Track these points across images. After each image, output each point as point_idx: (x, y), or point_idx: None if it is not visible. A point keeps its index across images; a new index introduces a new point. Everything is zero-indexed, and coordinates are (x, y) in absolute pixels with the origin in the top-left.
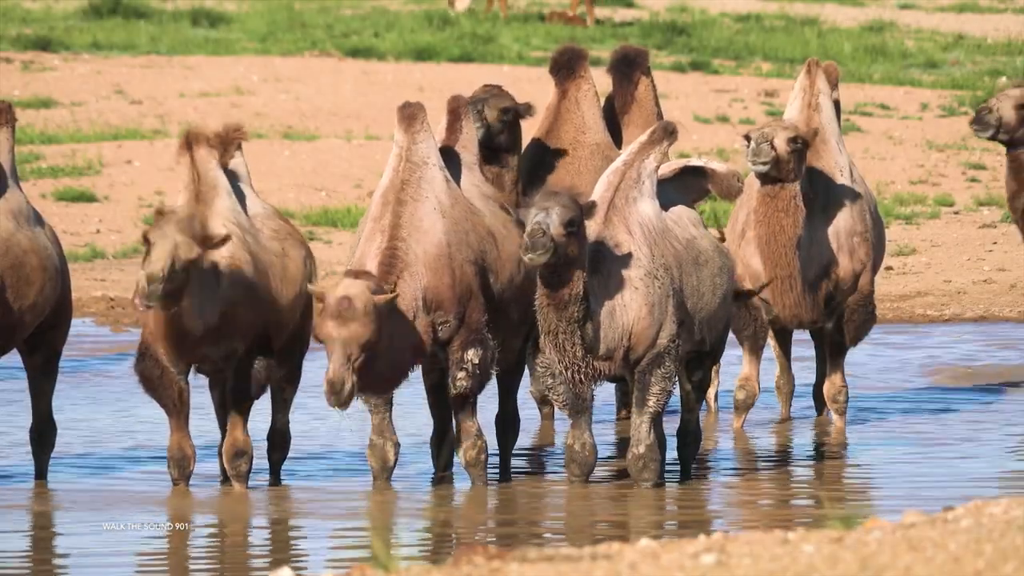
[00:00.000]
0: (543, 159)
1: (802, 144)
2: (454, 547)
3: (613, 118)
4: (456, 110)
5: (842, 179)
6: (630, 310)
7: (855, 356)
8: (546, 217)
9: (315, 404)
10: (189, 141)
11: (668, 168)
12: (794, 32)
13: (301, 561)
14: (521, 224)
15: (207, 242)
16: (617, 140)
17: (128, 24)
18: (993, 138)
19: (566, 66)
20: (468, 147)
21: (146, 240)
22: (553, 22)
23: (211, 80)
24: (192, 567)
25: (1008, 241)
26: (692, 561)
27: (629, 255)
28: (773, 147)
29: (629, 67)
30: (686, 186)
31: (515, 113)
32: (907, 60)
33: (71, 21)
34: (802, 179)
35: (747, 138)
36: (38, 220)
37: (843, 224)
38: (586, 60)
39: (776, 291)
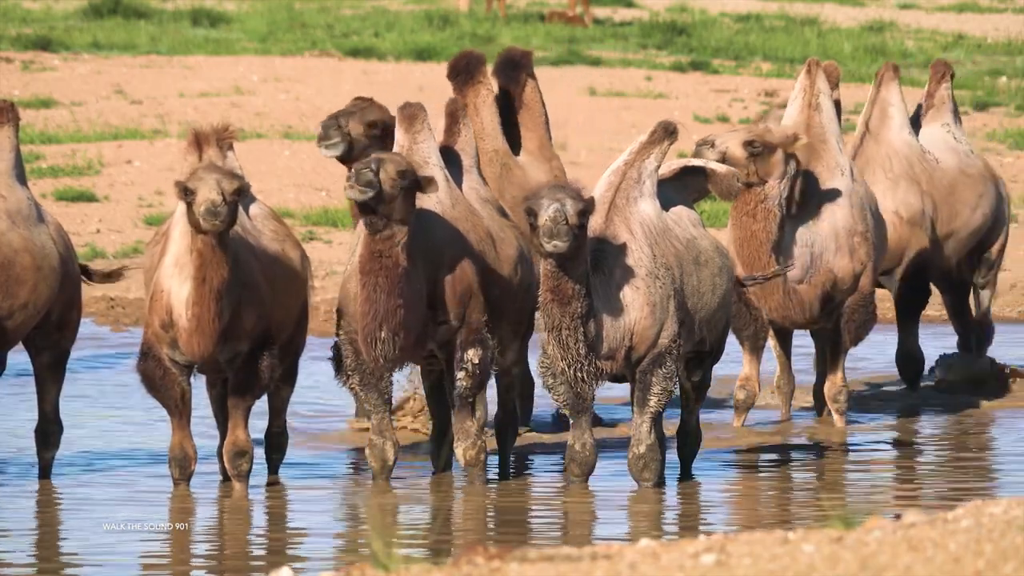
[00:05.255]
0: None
1: (761, 148)
2: (454, 547)
3: (506, 121)
4: (455, 112)
5: (842, 179)
6: (632, 310)
7: (855, 355)
8: (562, 207)
9: (313, 403)
10: (199, 140)
11: (668, 168)
12: (794, 32)
13: (301, 561)
14: (531, 213)
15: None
16: (513, 144)
17: (128, 24)
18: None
19: (464, 71)
20: (467, 149)
21: (184, 188)
22: (553, 22)
23: (211, 80)
24: (192, 567)
25: (1008, 241)
26: (692, 561)
27: (630, 255)
28: (723, 152)
29: (515, 69)
30: (686, 186)
31: (384, 127)
32: (907, 60)
33: (71, 21)
34: (785, 183)
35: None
36: (40, 220)
37: (843, 224)
38: (484, 65)
39: (759, 293)
